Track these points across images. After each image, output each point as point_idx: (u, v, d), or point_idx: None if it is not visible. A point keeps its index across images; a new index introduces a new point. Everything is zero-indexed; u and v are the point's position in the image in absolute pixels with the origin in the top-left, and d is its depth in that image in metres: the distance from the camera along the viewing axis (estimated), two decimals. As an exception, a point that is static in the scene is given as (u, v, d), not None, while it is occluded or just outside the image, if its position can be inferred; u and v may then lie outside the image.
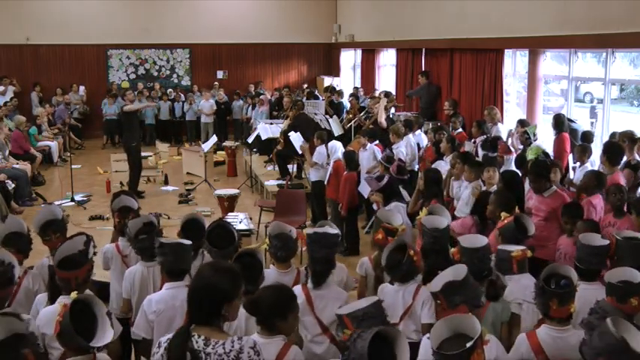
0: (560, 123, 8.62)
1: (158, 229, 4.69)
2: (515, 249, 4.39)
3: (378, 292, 4.26)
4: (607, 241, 4.38)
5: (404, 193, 7.08)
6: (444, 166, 8.02)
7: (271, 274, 4.28)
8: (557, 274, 3.59)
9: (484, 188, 6.56)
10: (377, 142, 9.60)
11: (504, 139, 8.89)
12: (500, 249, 4.43)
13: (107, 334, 3.05)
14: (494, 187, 6.43)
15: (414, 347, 3.30)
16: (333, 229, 4.35)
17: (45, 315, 3.64)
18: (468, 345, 2.78)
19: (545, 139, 9.02)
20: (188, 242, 4.18)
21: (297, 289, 4.05)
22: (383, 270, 4.44)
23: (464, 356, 2.78)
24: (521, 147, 8.35)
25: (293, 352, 3.31)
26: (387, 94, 12.04)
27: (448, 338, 2.91)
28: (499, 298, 4.06)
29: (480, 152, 8.73)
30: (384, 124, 10.69)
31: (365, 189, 8.07)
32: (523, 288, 4.18)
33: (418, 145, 9.85)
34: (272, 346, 3.25)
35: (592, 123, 9.32)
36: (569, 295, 3.49)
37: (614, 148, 6.75)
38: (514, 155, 8.22)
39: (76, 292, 3.28)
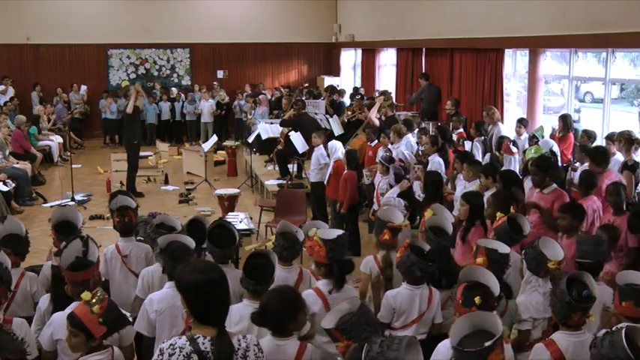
0: (568, 123, 8.68)
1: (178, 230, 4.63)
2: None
3: (390, 297, 4.23)
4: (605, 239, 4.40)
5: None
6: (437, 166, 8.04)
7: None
8: (578, 281, 3.54)
9: (485, 193, 6.45)
10: (377, 141, 9.60)
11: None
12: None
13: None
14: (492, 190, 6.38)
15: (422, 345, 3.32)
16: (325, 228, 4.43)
17: (58, 322, 3.56)
18: (487, 344, 2.73)
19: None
20: (192, 244, 4.12)
21: (313, 295, 4.05)
22: (392, 269, 4.49)
23: (482, 355, 2.73)
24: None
25: (309, 351, 3.34)
26: (384, 93, 12.01)
27: (469, 335, 2.87)
28: (512, 295, 4.10)
29: (479, 154, 8.74)
30: (376, 122, 10.67)
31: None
32: (536, 305, 4.11)
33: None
34: (288, 347, 3.27)
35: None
36: (591, 307, 3.49)
37: (600, 152, 6.75)
38: (516, 155, 8.21)
39: (87, 292, 3.25)
